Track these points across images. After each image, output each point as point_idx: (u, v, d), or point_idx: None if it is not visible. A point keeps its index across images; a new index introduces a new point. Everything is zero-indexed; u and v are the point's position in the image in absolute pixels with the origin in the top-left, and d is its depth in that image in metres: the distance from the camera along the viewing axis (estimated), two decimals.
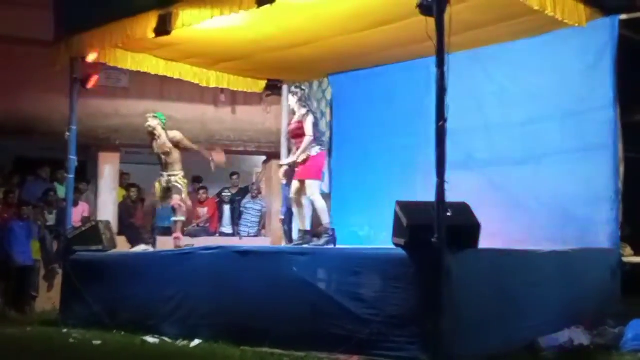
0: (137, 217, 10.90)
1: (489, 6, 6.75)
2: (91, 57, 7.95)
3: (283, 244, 9.39)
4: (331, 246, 6.96)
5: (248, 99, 11.45)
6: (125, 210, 11.04)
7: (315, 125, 7.20)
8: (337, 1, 6.82)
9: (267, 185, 12.32)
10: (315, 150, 7.10)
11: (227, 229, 11.67)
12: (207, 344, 5.97)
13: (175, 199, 8.01)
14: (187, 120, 10.05)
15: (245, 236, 11.45)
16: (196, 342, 6.09)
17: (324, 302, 5.56)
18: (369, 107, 9.25)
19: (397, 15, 6.85)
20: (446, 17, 5.34)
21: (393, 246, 5.36)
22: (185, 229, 8.93)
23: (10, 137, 10.80)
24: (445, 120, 5.23)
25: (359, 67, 9.06)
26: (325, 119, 9.85)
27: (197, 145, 8.46)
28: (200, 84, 9.27)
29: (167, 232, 11.00)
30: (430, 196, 5.18)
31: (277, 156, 11.40)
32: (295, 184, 7.21)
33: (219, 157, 8.27)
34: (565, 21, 6.56)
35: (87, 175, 11.27)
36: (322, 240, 6.97)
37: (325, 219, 7.05)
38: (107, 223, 8.10)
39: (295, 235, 8.30)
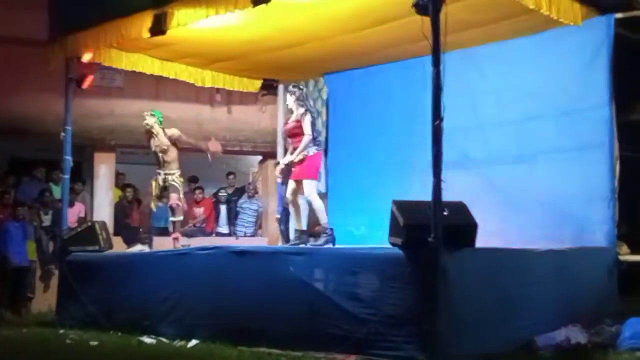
0: (133, 218, 10.88)
1: (485, 5, 6.75)
2: (86, 57, 7.93)
3: (280, 244, 9.38)
4: (330, 246, 6.95)
5: (244, 98, 11.43)
6: (121, 210, 11.02)
7: (313, 124, 7.19)
8: (332, 1, 6.81)
9: (263, 185, 12.31)
10: (312, 150, 7.09)
11: (223, 229, 11.67)
12: (204, 344, 5.97)
13: (173, 199, 8.00)
14: (182, 120, 10.02)
15: (241, 236, 11.44)
16: (193, 342, 6.08)
17: (321, 301, 5.55)
18: (365, 106, 9.25)
19: (393, 14, 6.85)
20: (442, 16, 5.33)
21: (390, 246, 5.35)
22: (181, 229, 8.91)
23: (5, 137, 10.77)
24: (441, 120, 5.23)
25: (354, 66, 9.06)
26: (321, 119, 9.84)
27: (193, 138, 8.43)
28: (196, 84, 9.25)
29: (163, 232, 11.02)
30: (426, 195, 5.18)
31: (273, 156, 11.39)
32: (291, 184, 7.20)
33: (214, 146, 8.25)
34: (561, 20, 6.56)
35: (82, 176, 11.25)
36: (321, 240, 6.96)
37: (323, 218, 7.04)
38: (103, 223, 8.08)
39: (292, 235, 8.29)
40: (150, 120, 8.01)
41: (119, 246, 8.56)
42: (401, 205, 5.30)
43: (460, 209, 5.34)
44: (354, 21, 7.28)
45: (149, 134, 8.04)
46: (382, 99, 9.03)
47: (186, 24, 6.83)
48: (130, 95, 11.26)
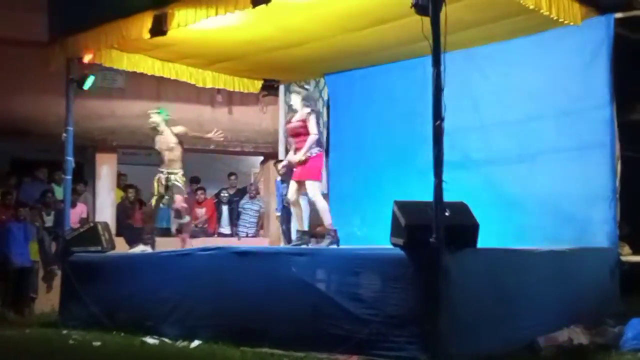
0: (135, 218, 10.90)
1: (485, 5, 6.75)
2: (87, 58, 7.94)
3: (281, 244, 9.39)
4: (334, 247, 6.94)
5: (244, 99, 11.46)
6: (123, 211, 11.05)
7: (318, 125, 7.15)
8: (332, 1, 6.81)
9: (264, 186, 12.33)
10: (315, 151, 7.06)
11: (225, 229, 11.70)
12: (207, 345, 5.97)
13: (178, 201, 8.00)
14: (183, 120, 10.01)
15: (243, 236, 11.46)
16: (196, 342, 6.09)
17: (323, 302, 5.56)
18: (366, 106, 9.25)
19: (393, 14, 6.85)
20: (442, 16, 5.34)
21: (391, 246, 5.36)
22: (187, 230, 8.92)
23: (7, 138, 10.79)
24: (442, 120, 5.24)
25: (355, 66, 9.05)
26: (322, 119, 9.85)
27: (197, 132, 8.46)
28: (197, 85, 9.26)
29: (165, 233, 11.04)
30: (428, 196, 5.18)
31: (274, 156, 11.42)
32: (293, 185, 7.17)
33: (215, 134, 8.24)
34: (561, 20, 6.56)
35: (84, 177, 11.27)
36: (326, 242, 6.94)
37: (327, 220, 7.00)
38: (106, 224, 8.09)
39: (293, 235, 8.29)
40: (156, 118, 8.01)
41: (121, 247, 8.58)
42: (402, 206, 5.30)
43: (461, 210, 5.35)
44: (354, 21, 7.28)
45: (155, 132, 8.02)
46: (383, 99, 9.03)
47: (186, 25, 6.83)
48: (132, 96, 11.29)
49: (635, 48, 7.34)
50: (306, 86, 7.44)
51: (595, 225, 7.18)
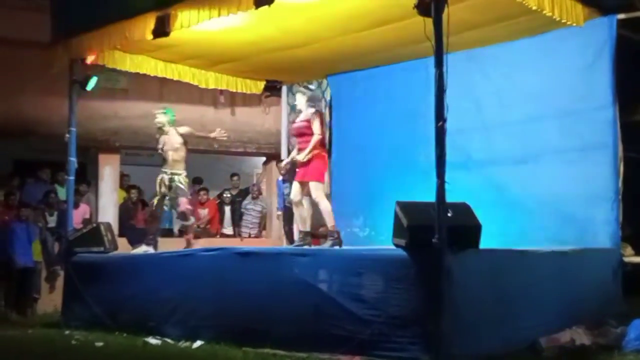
0: (137, 219, 10.91)
1: (487, 6, 6.75)
2: (90, 59, 7.96)
3: (284, 245, 9.39)
4: (337, 248, 6.94)
5: (247, 100, 11.47)
6: (126, 211, 11.06)
7: (322, 126, 7.15)
8: (335, 2, 6.82)
9: (267, 186, 12.33)
10: (318, 152, 7.04)
11: (227, 230, 11.71)
12: (209, 345, 5.98)
13: (183, 203, 8.02)
14: (186, 121, 10.03)
15: (246, 237, 11.47)
16: (198, 343, 6.10)
17: (325, 303, 5.56)
18: (368, 107, 9.26)
19: (396, 15, 6.85)
20: (444, 17, 5.35)
21: (393, 247, 5.36)
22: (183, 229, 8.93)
23: (10, 139, 10.81)
24: (444, 121, 5.24)
25: (357, 67, 9.05)
26: (325, 120, 9.86)
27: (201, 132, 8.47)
28: (199, 86, 9.27)
29: (167, 233, 11.05)
30: (430, 196, 5.19)
31: (277, 157, 11.43)
32: (296, 185, 7.17)
33: (218, 133, 8.24)
34: (563, 21, 6.56)
35: (87, 177, 11.29)
36: (328, 243, 6.94)
37: (330, 221, 6.99)
38: (108, 225, 8.10)
39: (296, 236, 8.29)
40: (162, 118, 8.02)
41: (123, 247, 8.59)
42: (405, 207, 5.31)
43: (464, 210, 5.35)
44: (356, 22, 7.29)
45: (160, 132, 8.02)
46: (385, 100, 9.03)
47: (189, 26, 6.84)
48: (135, 97, 11.30)
49: (637, 49, 7.34)
50: (311, 87, 7.42)
51: (598, 226, 7.18)
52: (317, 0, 6.74)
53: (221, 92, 11.01)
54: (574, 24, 6.69)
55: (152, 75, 8.76)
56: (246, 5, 6.32)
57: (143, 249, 7.91)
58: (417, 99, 8.00)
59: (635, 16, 7.19)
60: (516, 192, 7.75)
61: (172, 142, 7.97)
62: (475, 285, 5.26)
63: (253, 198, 11.78)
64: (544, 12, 6.31)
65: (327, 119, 9.88)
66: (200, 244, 8.31)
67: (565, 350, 5.55)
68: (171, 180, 7.94)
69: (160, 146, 8.04)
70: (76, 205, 9.25)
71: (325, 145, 7.41)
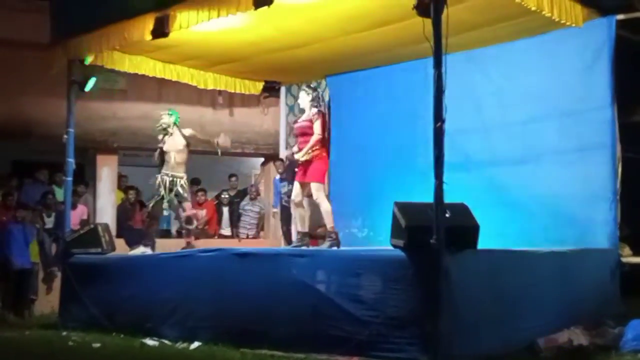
0: (135, 220, 10.90)
1: (486, 7, 6.75)
2: (89, 60, 7.95)
3: (282, 246, 9.38)
4: (335, 249, 6.93)
5: (246, 101, 11.47)
6: (124, 212, 11.05)
7: (324, 127, 7.12)
8: (334, 3, 6.81)
9: (265, 187, 12.33)
10: (320, 153, 7.02)
11: (225, 230, 11.71)
12: (207, 347, 5.97)
13: (188, 208, 8.06)
14: (185, 122, 10.04)
15: (244, 238, 11.46)
16: (195, 344, 6.08)
17: (323, 303, 5.55)
18: (367, 108, 9.25)
19: (395, 16, 6.85)
20: (443, 18, 5.34)
21: (392, 247, 5.36)
22: (183, 231, 8.93)
23: (8, 140, 10.80)
24: (443, 121, 5.24)
25: (356, 68, 9.05)
26: (327, 121, 9.85)
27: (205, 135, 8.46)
28: (198, 86, 9.27)
29: (165, 234, 11.05)
30: (428, 197, 5.18)
31: (275, 158, 11.43)
32: (297, 186, 7.14)
33: (224, 141, 8.23)
34: (562, 22, 6.56)
35: (85, 178, 11.28)
36: (326, 244, 6.93)
37: (329, 222, 6.97)
38: (106, 226, 8.08)
39: (294, 236, 8.28)
40: (167, 119, 8.00)
41: (121, 248, 8.57)
42: (403, 207, 5.30)
43: (462, 211, 5.35)
44: (355, 23, 7.29)
45: (165, 132, 8.00)
46: (384, 100, 9.03)
47: (188, 27, 6.84)
48: (133, 97, 11.30)
49: (636, 50, 7.34)
50: (316, 87, 7.37)
51: (596, 227, 7.18)
52: (316, 1, 6.74)
53: (220, 92, 11.01)
54: (573, 25, 6.69)
55: (150, 76, 8.76)
56: (245, 6, 6.31)
57: (141, 250, 7.90)
58: (416, 99, 8.01)
59: (634, 17, 7.20)
60: (514, 193, 7.74)
61: (175, 143, 7.96)
62: (474, 286, 5.25)
63: (251, 199, 11.78)
64: (543, 12, 6.32)
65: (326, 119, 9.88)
66: (199, 244, 8.29)
67: (563, 351, 5.55)
68: (172, 183, 7.92)
69: (160, 145, 8.00)
70: (74, 206, 9.23)
71: (326, 146, 7.38)
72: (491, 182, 7.89)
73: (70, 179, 8.11)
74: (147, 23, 7.03)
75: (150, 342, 6.34)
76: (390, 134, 8.86)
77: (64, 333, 7.02)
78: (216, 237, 11.29)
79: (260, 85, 9.87)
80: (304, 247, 6.99)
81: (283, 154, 11.24)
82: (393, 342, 5.11)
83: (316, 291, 5.66)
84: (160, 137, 8.05)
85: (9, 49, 10.27)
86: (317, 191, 6.96)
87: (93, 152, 11.42)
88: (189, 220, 8.17)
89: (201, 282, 6.40)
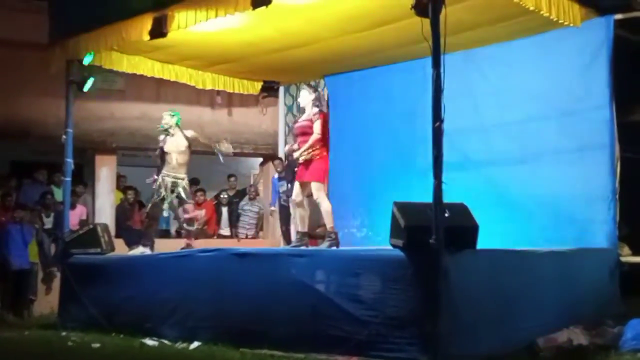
0: (134, 220, 10.90)
1: (484, 7, 6.75)
2: (87, 60, 7.95)
3: (281, 246, 9.38)
4: (334, 249, 6.92)
5: (244, 101, 11.47)
6: (123, 212, 11.04)
7: (325, 127, 7.09)
8: (332, 3, 6.81)
9: (264, 187, 12.33)
10: (321, 152, 7.01)
11: (225, 230, 11.72)
12: (206, 347, 5.97)
13: (191, 210, 8.06)
14: (184, 122, 10.05)
15: (243, 238, 11.46)
16: (195, 344, 6.08)
17: (323, 303, 5.55)
18: (366, 108, 9.25)
19: (393, 16, 6.85)
20: (441, 17, 5.35)
21: (391, 247, 5.36)
22: (183, 231, 8.93)
23: (6, 140, 10.80)
24: (442, 121, 5.24)
25: (355, 68, 9.04)
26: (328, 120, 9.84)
27: (207, 139, 8.43)
28: (196, 86, 9.26)
29: (164, 234, 11.05)
30: (427, 197, 5.18)
31: (274, 158, 11.42)
32: (297, 186, 7.12)
33: (226, 147, 8.22)
34: (561, 21, 6.56)
35: (84, 178, 11.28)
36: (326, 244, 6.92)
37: (329, 222, 6.95)
38: (105, 226, 8.08)
39: (293, 236, 8.27)
40: (169, 120, 7.99)
41: (120, 249, 8.57)
42: (402, 207, 5.30)
43: (461, 211, 5.35)
44: (353, 23, 7.29)
45: (166, 133, 7.98)
46: (382, 100, 9.03)
47: (186, 27, 6.83)
48: (131, 97, 11.30)
49: (635, 49, 7.35)
50: (318, 87, 7.35)
51: (595, 226, 7.18)
52: (315, 1, 6.74)
53: (218, 92, 11.01)
54: (571, 25, 6.69)
55: (149, 76, 8.75)
56: (243, 6, 6.31)
57: (140, 250, 7.90)
58: (414, 99, 8.01)
59: (632, 16, 7.20)
60: (513, 192, 7.74)
61: (177, 144, 7.95)
62: (473, 286, 5.26)
63: (250, 199, 11.78)
64: (541, 12, 6.32)
65: None
66: (198, 245, 8.29)
67: (562, 351, 5.55)
68: (175, 184, 7.92)
69: (161, 145, 7.99)
70: (73, 207, 9.23)
71: (327, 145, 7.35)
72: (490, 181, 7.88)
73: (69, 179, 8.10)
74: (145, 23, 7.02)
75: (149, 342, 6.34)
76: (389, 133, 8.86)
77: (64, 333, 7.01)
78: (215, 237, 11.29)
79: (258, 85, 9.86)
80: (303, 247, 6.99)
81: (282, 153, 11.24)
82: (392, 342, 5.10)
83: (315, 291, 5.66)
84: (161, 137, 8.04)
85: (8, 49, 10.27)
86: (318, 191, 6.95)
87: (92, 152, 11.42)
88: (191, 222, 8.17)
89: (200, 282, 6.40)
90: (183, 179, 7.98)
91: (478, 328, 5.21)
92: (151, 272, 6.90)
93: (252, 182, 12.66)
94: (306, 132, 7.04)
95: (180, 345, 6.17)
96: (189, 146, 8.00)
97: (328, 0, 6.76)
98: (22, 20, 10.06)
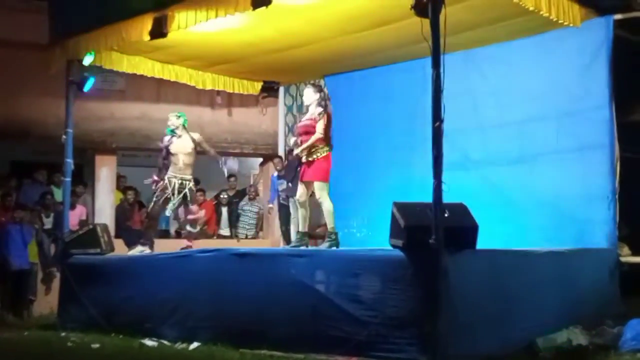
0: (134, 220, 10.89)
1: (484, 7, 6.76)
2: (87, 60, 7.95)
3: (281, 246, 9.37)
4: (334, 249, 6.90)
5: (244, 101, 11.46)
6: (122, 213, 11.03)
7: (328, 127, 7.07)
8: (332, 3, 6.82)
9: (264, 187, 12.32)
10: (324, 152, 6.99)
11: (224, 231, 11.70)
12: (206, 347, 5.97)
13: (194, 211, 8.09)
14: None
15: (243, 238, 11.46)
16: (195, 344, 6.09)
17: (322, 304, 5.56)
18: (365, 108, 9.25)
19: (393, 16, 6.86)
20: (441, 18, 5.35)
21: (390, 247, 5.36)
22: (182, 231, 8.93)
23: (6, 140, 10.79)
24: (441, 121, 5.24)
25: (355, 68, 9.06)
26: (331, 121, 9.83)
27: (213, 150, 8.44)
28: (196, 86, 9.27)
29: (164, 234, 11.04)
30: (427, 197, 5.18)
31: (273, 156, 11.42)
32: (301, 187, 7.09)
33: (230, 165, 8.25)
34: (560, 21, 6.57)
35: (84, 178, 11.27)
36: (326, 244, 6.91)
37: (330, 222, 6.91)
38: (105, 226, 8.08)
39: (293, 236, 8.26)
40: (176, 122, 7.99)
41: (120, 249, 8.57)
42: (402, 207, 5.30)
43: (461, 211, 5.35)
44: (353, 23, 7.29)
45: (172, 134, 7.98)
46: (382, 100, 9.03)
47: (187, 27, 6.84)
48: (132, 98, 11.29)
49: (634, 49, 7.34)
50: (322, 87, 7.31)
51: (595, 226, 7.18)
52: (315, 1, 6.74)
53: (218, 92, 11.00)
54: (571, 25, 6.70)
55: (149, 76, 8.75)
56: (243, 7, 6.31)
57: (139, 250, 7.89)
58: (414, 99, 8.01)
59: (631, 17, 7.20)
60: (513, 192, 7.75)
61: (184, 146, 7.96)
62: (473, 286, 5.25)
63: (250, 199, 11.77)
64: (541, 12, 6.33)
65: None
66: (197, 245, 8.29)
67: (562, 351, 5.55)
68: (182, 185, 7.92)
69: (164, 145, 7.98)
70: (72, 207, 9.22)
71: (330, 145, 7.29)
72: (490, 181, 7.88)
73: (68, 179, 8.11)
74: (146, 23, 7.03)
75: (149, 342, 6.34)
76: (389, 133, 8.86)
77: (63, 334, 7.02)
78: (215, 237, 11.28)
79: (258, 86, 9.87)
80: (302, 247, 6.98)
81: (282, 153, 11.24)
82: (392, 342, 5.11)
83: (315, 291, 5.66)
84: (166, 138, 8.04)
85: (8, 49, 10.26)
86: (321, 190, 6.92)
87: (91, 152, 11.41)
88: (194, 222, 8.18)
89: (200, 283, 6.40)
90: (190, 180, 8.00)
91: (478, 328, 5.21)
92: (151, 272, 6.90)
93: (251, 182, 12.66)
94: (309, 131, 6.99)
95: (179, 345, 6.17)
96: (195, 147, 8.01)
97: (328, 1, 6.77)
98: (22, 20, 10.05)
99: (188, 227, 8.28)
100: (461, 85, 7.28)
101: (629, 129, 7.30)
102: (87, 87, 8.16)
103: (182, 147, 7.96)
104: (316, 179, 6.92)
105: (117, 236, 9.74)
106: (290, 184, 9.51)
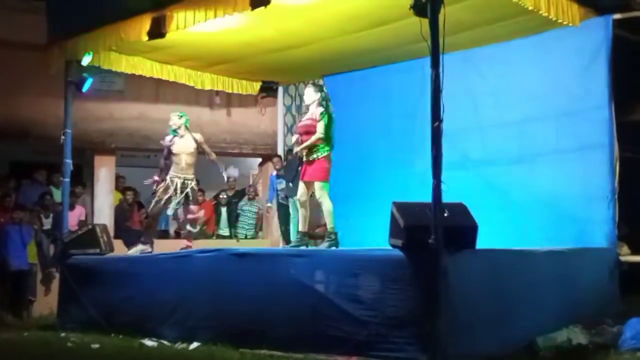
0: (133, 220, 10.89)
1: (483, 7, 6.76)
2: (86, 60, 7.94)
3: (281, 246, 9.36)
4: (333, 249, 6.90)
5: (243, 101, 11.47)
6: (122, 213, 11.03)
7: (329, 127, 7.05)
8: (332, 3, 6.81)
9: (263, 187, 12.32)
10: (324, 152, 6.98)
11: (224, 231, 11.70)
12: (206, 347, 5.97)
13: (194, 210, 8.08)
14: None
15: (242, 238, 11.46)
16: (194, 344, 6.09)
17: (322, 303, 5.55)
18: (364, 108, 9.25)
19: (392, 16, 6.86)
20: (440, 17, 5.35)
21: (390, 247, 5.35)
22: (182, 231, 8.93)
23: (6, 141, 10.78)
24: (440, 121, 5.24)
25: (354, 68, 9.05)
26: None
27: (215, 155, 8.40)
28: (195, 87, 9.26)
29: (163, 234, 11.04)
30: (426, 197, 5.18)
31: (272, 156, 11.42)
32: (302, 186, 7.09)
33: (231, 172, 8.25)
34: (560, 21, 6.57)
35: (83, 179, 11.27)
36: (325, 244, 6.91)
37: (330, 222, 6.92)
38: (104, 226, 8.08)
39: (292, 236, 8.26)
40: (178, 121, 7.99)
41: (119, 249, 8.57)
42: (401, 207, 5.30)
43: (460, 210, 5.35)
44: (352, 23, 7.29)
45: (174, 134, 7.98)
46: (381, 100, 9.03)
47: (185, 27, 6.83)
48: (130, 98, 11.28)
49: (634, 49, 7.35)
50: (323, 87, 7.30)
51: (594, 226, 7.20)
52: (314, 1, 6.74)
53: (217, 93, 11.01)
54: (570, 24, 6.70)
55: (147, 76, 8.75)
56: (242, 7, 6.30)
57: (140, 249, 7.89)
58: (413, 99, 8.02)
59: (631, 16, 7.21)
60: (513, 192, 7.76)
61: (187, 146, 7.96)
62: (472, 286, 5.25)
63: (249, 199, 11.77)
64: (540, 12, 6.33)
65: None
66: (197, 245, 8.29)
67: (562, 350, 5.55)
68: (184, 185, 7.92)
69: (166, 144, 7.97)
70: (72, 207, 9.23)
71: (332, 147, 7.27)
72: (489, 181, 7.89)
73: (68, 179, 8.10)
74: (144, 23, 7.01)
75: (149, 342, 6.34)
76: (388, 133, 8.86)
77: (63, 334, 7.01)
78: (214, 237, 11.28)
79: (257, 86, 9.86)
80: (302, 247, 6.98)
81: (281, 154, 11.24)
82: (392, 342, 5.11)
83: (315, 291, 5.66)
84: (167, 138, 8.03)
85: (8, 49, 10.26)
86: (321, 190, 6.91)
87: (90, 153, 11.40)
88: (194, 222, 8.18)
89: (200, 283, 6.40)
90: (192, 179, 8.00)
91: (477, 328, 5.21)
92: (150, 272, 6.89)
93: (251, 183, 12.66)
94: (309, 130, 6.98)
95: (179, 345, 6.17)
96: (197, 147, 8.02)
97: (326, 1, 6.77)
98: (21, 21, 10.04)
99: (188, 227, 8.28)
100: (460, 85, 7.28)
101: (629, 129, 7.31)
102: (86, 87, 8.16)
103: (184, 147, 7.96)
104: (316, 179, 6.92)
105: (116, 236, 9.73)
106: (290, 184, 9.52)
